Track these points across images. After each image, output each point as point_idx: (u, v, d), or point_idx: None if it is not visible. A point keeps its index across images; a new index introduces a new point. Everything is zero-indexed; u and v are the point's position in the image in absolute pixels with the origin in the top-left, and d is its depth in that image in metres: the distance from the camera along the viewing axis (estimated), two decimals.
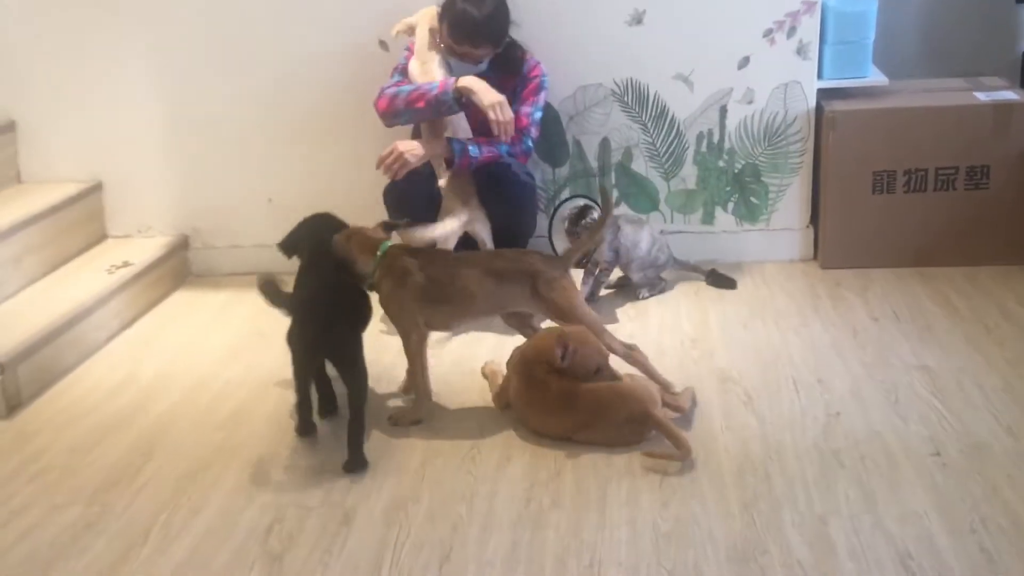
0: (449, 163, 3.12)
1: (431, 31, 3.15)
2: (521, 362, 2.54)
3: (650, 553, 2.03)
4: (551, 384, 2.46)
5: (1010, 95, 3.44)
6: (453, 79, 3.04)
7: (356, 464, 2.40)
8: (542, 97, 3.24)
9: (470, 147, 3.11)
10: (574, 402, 2.43)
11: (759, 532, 2.08)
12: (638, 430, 2.41)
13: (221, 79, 3.62)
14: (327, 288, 2.57)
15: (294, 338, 2.49)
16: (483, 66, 3.19)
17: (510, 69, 3.22)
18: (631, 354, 2.61)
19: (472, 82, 3.01)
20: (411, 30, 3.22)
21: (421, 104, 3.07)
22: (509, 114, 3.03)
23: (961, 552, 1.98)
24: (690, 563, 1.99)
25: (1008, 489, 2.18)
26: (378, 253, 2.58)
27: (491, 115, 3.00)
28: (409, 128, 3.32)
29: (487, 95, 3.00)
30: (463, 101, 3.04)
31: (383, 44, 3.50)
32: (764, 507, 2.16)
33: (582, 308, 2.60)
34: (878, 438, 2.41)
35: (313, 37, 3.54)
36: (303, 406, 2.57)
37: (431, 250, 2.73)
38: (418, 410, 2.64)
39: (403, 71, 3.20)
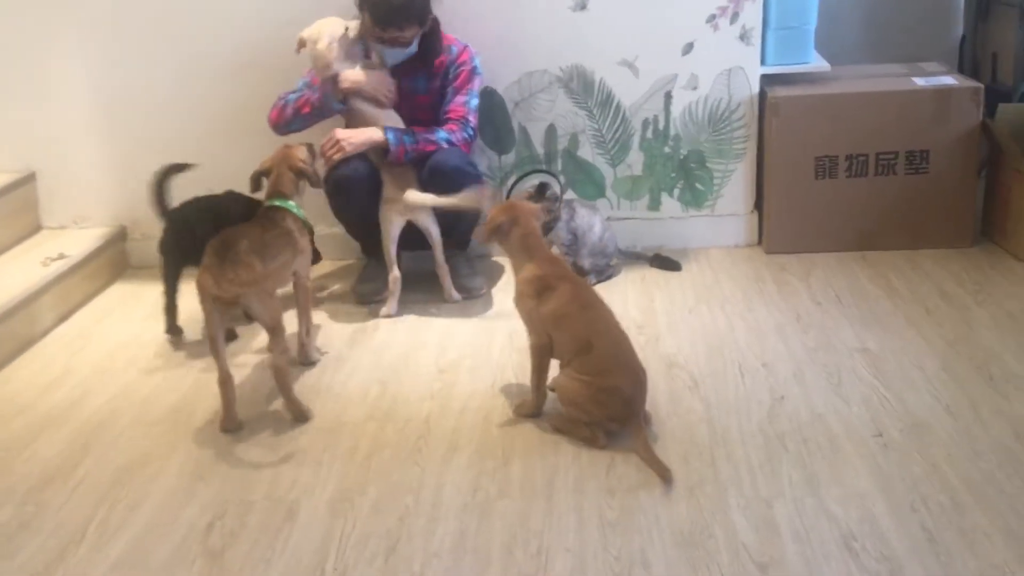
0: (384, 152, 3.10)
1: (341, 40, 3.09)
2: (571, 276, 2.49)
3: (597, 540, 2.03)
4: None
5: (948, 80, 3.49)
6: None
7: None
8: (476, 83, 3.23)
9: (405, 136, 3.09)
10: (596, 331, 2.38)
11: (705, 516, 2.09)
12: (617, 407, 2.33)
13: (158, 66, 3.54)
14: (203, 206, 3.04)
15: (166, 245, 2.98)
16: (412, 49, 3.15)
17: (435, 51, 3.20)
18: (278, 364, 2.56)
19: (348, 74, 3.07)
20: (306, 43, 3.13)
21: (307, 110, 3.12)
22: (387, 83, 3.12)
23: (903, 531, 2.00)
24: (636, 549, 2.00)
25: (947, 468, 2.21)
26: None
27: (369, 91, 3.08)
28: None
29: (362, 76, 3.07)
30: (344, 98, 3.09)
31: None
32: (710, 491, 2.17)
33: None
34: (821, 421, 2.43)
35: (252, 26, 3.47)
36: (170, 309, 3.06)
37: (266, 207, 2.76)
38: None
39: (309, 83, 3.18)
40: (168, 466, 2.39)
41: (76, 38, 3.52)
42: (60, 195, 3.70)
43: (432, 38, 3.18)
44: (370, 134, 3.08)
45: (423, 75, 3.22)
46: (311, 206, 3.43)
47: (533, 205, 2.61)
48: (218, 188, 3.63)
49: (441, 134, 3.13)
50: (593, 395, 2.33)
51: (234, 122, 3.59)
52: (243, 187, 3.68)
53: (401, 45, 3.12)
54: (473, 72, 3.22)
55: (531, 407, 2.52)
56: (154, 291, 3.48)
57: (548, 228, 3.19)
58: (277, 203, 2.73)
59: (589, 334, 2.38)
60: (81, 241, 3.55)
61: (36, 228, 3.70)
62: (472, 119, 3.20)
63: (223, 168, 3.62)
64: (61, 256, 3.40)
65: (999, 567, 1.89)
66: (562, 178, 3.61)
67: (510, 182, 3.60)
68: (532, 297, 2.43)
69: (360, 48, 3.17)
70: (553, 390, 2.49)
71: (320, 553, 2.04)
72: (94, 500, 2.26)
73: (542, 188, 3.21)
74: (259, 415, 2.61)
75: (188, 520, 2.17)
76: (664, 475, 2.22)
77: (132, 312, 3.35)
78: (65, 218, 3.73)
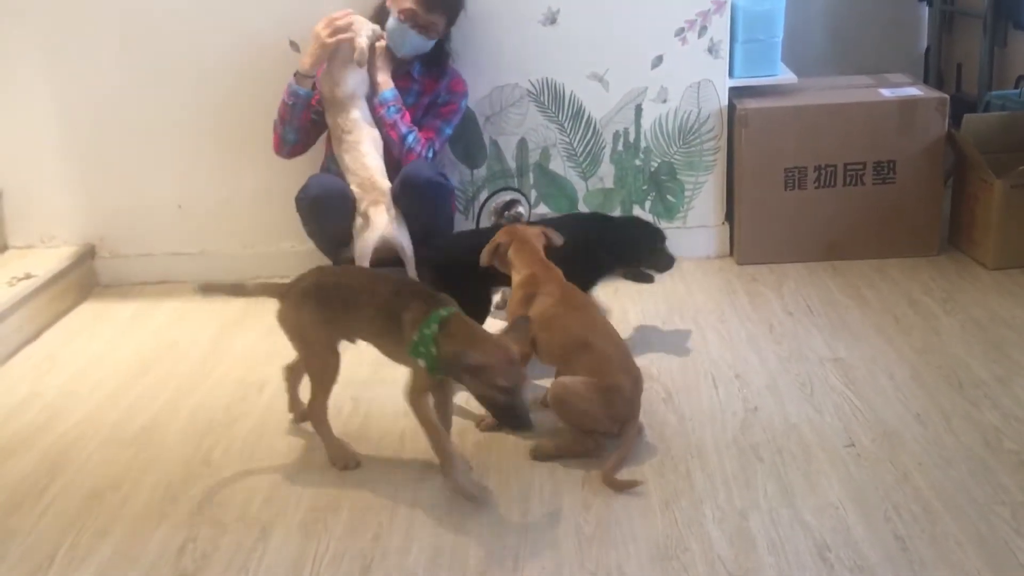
0: (371, 97, 3.17)
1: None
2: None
3: (573, 555, 2.03)
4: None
5: (914, 91, 3.53)
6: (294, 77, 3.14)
7: None
8: (457, 119, 3.31)
9: (393, 107, 3.16)
10: (588, 340, 2.36)
11: (680, 529, 2.09)
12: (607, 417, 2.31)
13: (126, 80, 3.50)
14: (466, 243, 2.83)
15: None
16: (428, 46, 3.21)
17: (436, 68, 3.27)
18: None
19: (303, 60, 3.12)
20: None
21: (285, 113, 3.16)
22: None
23: (876, 541, 2.01)
24: (613, 564, 1.99)
25: (919, 476, 2.23)
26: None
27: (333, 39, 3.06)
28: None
29: (311, 49, 3.10)
30: (311, 83, 3.13)
31: (293, 44, 3.43)
32: (685, 504, 2.17)
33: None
34: (794, 431, 2.44)
35: (221, 37, 3.45)
36: None
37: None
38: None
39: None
40: (138, 489, 2.36)
41: (41, 55, 3.48)
42: (26, 214, 3.66)
43: (436, 57, 3.26)
44: (383, 72, 3.15)
45: (414, 91, 3.27)
46: (283, 221, 3.43)
47: (534, 229, 2.60)
48: (188, 205, 3.63)
49: (411, 134, 3.18)
50: (597, 394, 2.30)
51: (205, 140, 3.56)
52: (216, 204, 3.67)
53: (431, 34, 3.18)
54: (459, 108, 3.30)
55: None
56: (124, 310, 3.47)
57: None
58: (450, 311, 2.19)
59: (585, 332, 2.37)
60: (48, 260, 3.50)
61: (2, 248, 3.65)
62: (437, 143, 3.26)
63: (196, 185, 3.61)
64: (28, 276, 3.36)
65: None
66: (534, 192, 3.62)
67: (482, 197, 3.60)
68: (520, 303, 2.43)
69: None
70: (546, 405, 2.46)
71: (294, 573, 2.02)
72: (62, 525, 2.22)
73: (508, 206, 3.20)
74: (234, 436, 2.59)
75: (159, 543, 2.14)
76: (618, 485, 2.23)
77: (101, 332, 3.31)
78: (32, 237, 3.68)
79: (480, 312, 2.72)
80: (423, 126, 3.24)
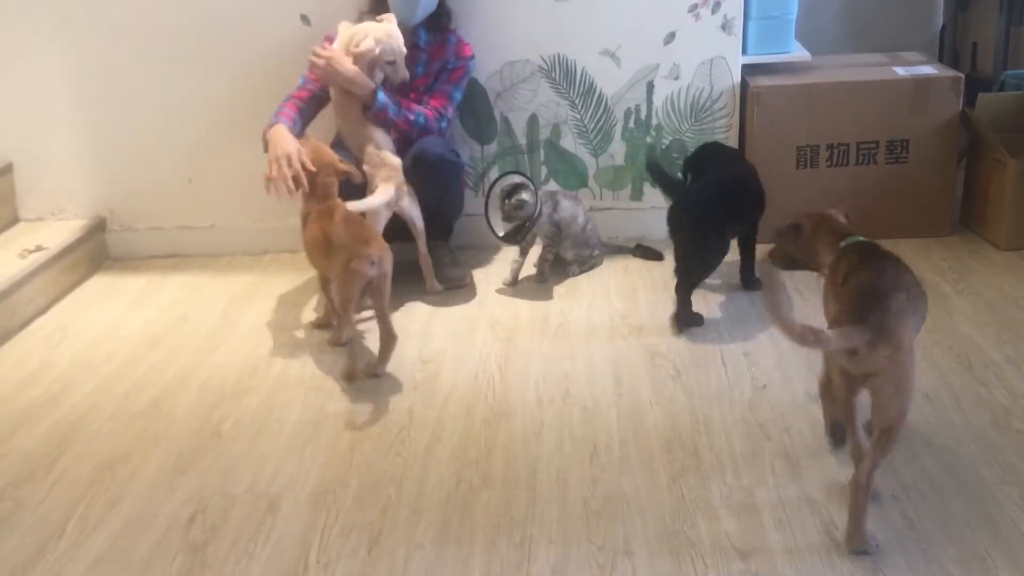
0: (365, 108, 3.08)
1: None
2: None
3: (580, 530, 2.03)
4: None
5: (928, 70, 3.50)
6: (271, 122, 3.05)
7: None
8: (466, 81, 3.30)
9: (391, 106, 3.10)
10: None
11: (688, 506, 2.09)
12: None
13: (136, 54, 3.49)
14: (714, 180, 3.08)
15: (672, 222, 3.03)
16: (433, 4, 3.19)
17: (440, 31, 3.25)
18: None
19: (270, 134, 3.00)
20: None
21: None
22: (286, 172, 2.88)
23: (883, 519, 2.02)
24: (620, 539, 2.00)
25: (927, 455, 2.23)
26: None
27: (267, 170, 2.91)
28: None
29: (272, 150, 2.95)
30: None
31: (304, 18, 3.41)
32: (692, 481, 2.18)
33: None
34: (802, 409, 2.44)
35: (233, 11, 3.43)
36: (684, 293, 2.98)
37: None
38: None
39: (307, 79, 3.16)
40: (149, 460, 2.37)
41: (53, 27, 3.47)
42: (37, 187, 3.66)
43: (441, 12, 3.24)
44: (361, 79, 3.02)
45: (422, 59, 3.24)
46: (293, 196, 3.42)
47: (331, 179, 2.85)
48: (198, 178, 3.63)
49: (420, 116, 3.15)
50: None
51: (215, 113, 3.56)
52: (227, 177, 3.67)
53: None
54: (466, 72, 3.28)
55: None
56: (134, 283, 3.47)
57: (527, 227, 3.17)
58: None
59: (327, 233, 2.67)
60: (59, 233, 3.51)
61: (13, 220, 3.65)
62: (450, 112, 3.24)
63: (206, 158, 3.61)
64: (39, 248, 3.37)
65: (979, 555, 1.90)
66: (544, 168, 3.60)
67: (492, 174, 3.58)
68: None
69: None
70: None
71: (303, 546, 2.03)
72: (74, 496, 2.24)
73: (514, 191, 3.18)
74: (243, 409, 2.60)
75: (169, 514, 2.16)
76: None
77: (111, 305, 3.32)
78: (43, 210, 3.68)
79: (718, 253, 2.99)
80: (434, 92, 3.23)
